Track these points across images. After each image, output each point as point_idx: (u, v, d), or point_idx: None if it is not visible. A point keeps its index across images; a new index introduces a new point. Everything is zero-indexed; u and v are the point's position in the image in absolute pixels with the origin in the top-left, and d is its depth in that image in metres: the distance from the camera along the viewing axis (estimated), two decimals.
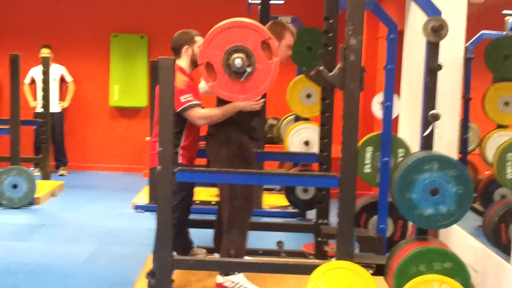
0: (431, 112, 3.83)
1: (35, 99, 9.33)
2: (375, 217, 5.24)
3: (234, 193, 4.24)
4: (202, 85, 4.63)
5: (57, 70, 9.43)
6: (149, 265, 4.59)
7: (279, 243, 5.25)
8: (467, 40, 5.44)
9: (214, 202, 6.73)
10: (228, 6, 9.27)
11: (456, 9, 4.95)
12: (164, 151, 3.69)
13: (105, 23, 9.98)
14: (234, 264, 4.07)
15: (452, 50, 4.92)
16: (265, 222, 6.08)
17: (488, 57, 5.69)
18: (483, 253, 4.46)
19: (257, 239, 5.34)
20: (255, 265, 4.01)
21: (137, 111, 10.11)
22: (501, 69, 5.71)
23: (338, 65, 3.66)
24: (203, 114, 4.25)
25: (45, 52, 9.16)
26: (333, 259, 3.73)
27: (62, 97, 9.56)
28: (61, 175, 9.50)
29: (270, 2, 6.89)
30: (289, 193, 6.95)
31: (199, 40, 4.40)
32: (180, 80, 4.21)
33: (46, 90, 8.45)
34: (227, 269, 4.23)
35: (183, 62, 4.43)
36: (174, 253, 3.82)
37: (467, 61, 5.86)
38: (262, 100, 4.22)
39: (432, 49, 3.85)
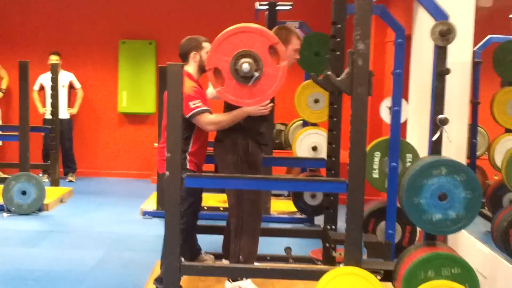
0: (439, 117, 3.82)
1: (44, 105, 9.36)
2: (383, 223, 5.22)
3: (241, 199, 4.24)
4: (210, 91, 4.63)
5: (65, 77, 9.46)
6: (157, 271, 4.59)
7: (287, 249, 5.24)
8: (475, 44, 5.43)
9: (222, 208, 6.74)
10: (236, 12, 9.30)
11: (464, 13, 4.94)
12: (172, 157, 3.69)
13: (113, 29, 10.01)
14: (242, 270, 4.07)
15: (460, 54, 4.90)
16: (273, 228, 6.07)
17: (496, 61, 5.67)
18: (492, 259, 4.44)
19: (265, 245, 5.32)
20: (263, 271, 4.00)
21: (145, 117, 10.13)
22: (510, 73, 5.69)
23: (346, 70, 3.66)
24: (212, 119, 4.25)
25: (54, 59, 9.20)
26: (341, 265, 3.72)
27: (70, 104, 9.59)
28: (70, 181, 9.52)
29: (278, 7, 6.90)
30: (297, 199, 6.94)
31: (206, 46, 4.41)
32: (188, 86, 4.21)
33: (55, 96, 8.48)
34: (235, 275, 4.22)
35: (191, 68, 4.44)
36: (182, 259, 3.82)
37: (475, 65, 5.83)
38: (271, 104, 4.22)
39: (440, 54, 3.84)
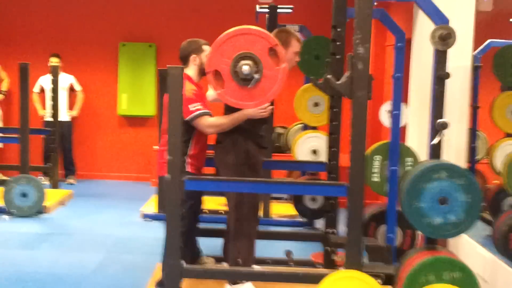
0: (439, 121, 3.83)
1: (44, 108, 9.37)
2: (383, 226, 5.23)
3: (240, 202, 4.24)
4: (210, 93, 4.64)
5: (66, 79, 9.47)
6: (158, 274, 4.60)
7: (288, 253, 5.24)
8: (475, 48, 5.43)
9: (222, 211, 6.74)
10: (236, 15, 9.27)
11: (464, 18, 4.95)
12: (172, 159, 3.69)
13: (114, 32, 10.02)
14: (243, 273, 4.08)
15: (460, 58, 4.91)
16: (273, 231, 6.08)
17: (496, 65, 5.67)
18: (493, 263, 4.44)
19: (265, 248, 5.33)
20: (264, 274, 4.01)
21: (145, 119, 10.14)
22: (509, 78, 5.69)
23: (346, 74, 3.67)
24: (212, 122, 4.26)
25: (54, 61, 9.21)
26: (342, 269, 3.72)
27: (71, 106, 9.60)
28: (70, 183, 9.52)
29: (278, 10, 6.90)
30: (297, 202, 6.93)
31: (206, 49, 4.43)
32: (188, 88, 4.22)
33: (55, 99, 8.49)
34: (236, 278, 4.23)
35: (191, 71, 4.45)
36: (183, 262, 3.82)
37: (475, 70, 5.83)
38: (271, 107, 4.23)
39: (440, 58, 3.85)
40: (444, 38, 3.80)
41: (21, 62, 7.36)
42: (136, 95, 10.00)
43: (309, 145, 6.76)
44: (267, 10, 6.91)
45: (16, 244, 6.10)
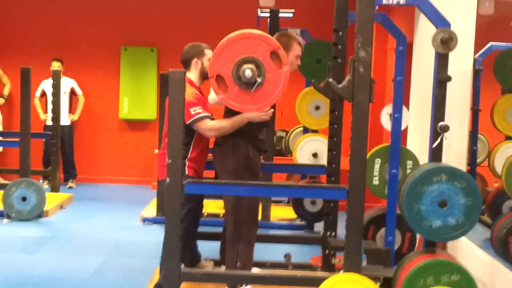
0: (440, 124, 3.83)
1: (45, 112, 9.38)
2: (383, 229, 5.21)
3: (239, 205, 4.23)
4: (211, 97, 4.64)
5: (67, 83, 9.48)
6: (156, 277, 4.59)
7: (287, 256, 5.23)
8: (476, 51, 5.44)
9: (222, 215, 6.74)
10: (238, 19, 9.31)
11: (465, 21, 4.95)
12: (173, 163, 3.69)
13: (115, 36, 10.03)
14: (242, 276, 4.07)
15: (461, 61, 4.91)
16: (273, 234, 6.07)
17: (497, 68, 5.68)
18: (492, 266, 4.44)
19: (264, 252, 5.32)
20: (263, 278, 3.99)
21: (146, 123, 10.14)
22: (510, 81, 5.71)
23: (347, 77, 3.67)
24: (213, 126, 4.26)
25: (55, 66, 9.22)
26: (341, 272, 3.72)
27: (72, 110, 9.61)
28: (70, 187, 9.52)
29: (280, 14, 6.91)
30: (297, 205, 6.94)
31: (208, 53, 4.43)
32: (190, 92, 4.22)
33: (56, 103, 8.49)
34: (235, 282, 4.22)
35: (192, 74, 4.45)
36: (182, 266, 3.82)
37: (476, 73, 5.84)
38: (271, 110, 4.23)
39: (441, 61, 3.85)
40: (445, 42, 3.80)
41: (23, 67, 7.36)
42: (137, 99, 10.01)
43: (310, 149, 6.76)
44: (268, 14, 6.92)
45: (15, 247, 6.09)
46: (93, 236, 6.65)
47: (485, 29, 5.54)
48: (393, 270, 3.95)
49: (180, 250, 3.74)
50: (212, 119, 4.30)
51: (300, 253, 5.64)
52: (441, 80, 3.85)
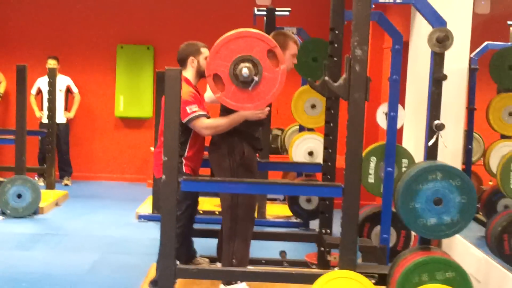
0: (435, 122, 3.84)
1: (41, 109, 9.36)
2: (378, 227, 5.23)
3: (236, 202, 4.24)
4: (208, 95, 4.64)
5: (63, 81, 9.46)
6: (152, 274, 4.60)
7: (282, 253, 5.25)
8: (472, 50, 5.46)
9: (217, 212, 6.75)
10: (234, 18, 9.32)
11: (461, 20, 4.97)
12: (169, 161, 3.69)
13: (111, 34, 10.02)
14: (237, 273, 4.07)
15: (457, 60, 4.93)
16: (268, 232, 6.08)
17: (492, 67, 5.70)
18: (486, 263, 4.46)
19: (260, 249, 5.34)
20: (258, 274, 4.00)
21: (142, 121, 10.14)
22: (506, 80, 5.73)
23: (343, 76, 3.68)
24: (209, 124, 4.26)
25: (51, 63, 9.20)
26: (336, 269, 3.73)
27: (68, 108, 9.60)
28: (66, 184, 9.51)
29: (276, 13, 6.91)
30: (293, 203, 6.95)
31: (204, 51, 4.43)
32: (186, 91, 4.22)
33: (52, 100, 8.48)
34: (230, 278, 4.23)
35: (188, 73, 4.45)
36: (177, 262, 3.82)
37: (472, 72, 5.87)
38: (267, 108, 4.23)
39: (437, 60, 3.86)
40: (441, 41, 3.82)
41: (19, 64, 7.35)
42: (133, 97, 10.00)
43: (306, 147, 6.77)
44: (265, 12, 6.93)
45: (11, 244, 6.08)
46: (89, 233, 6.65)
47: (481, 28, 5.57)
48: (388, 267, 3.96)
49: (175, 247, 3.75)
50: (208, 117, 4.31)
51: (296, 251, 5.66)
52: (437, 79, 3.87)
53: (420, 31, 5.44)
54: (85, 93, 9.91)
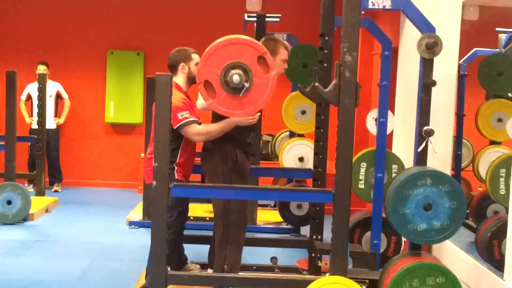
0: (425, 128, 3.86)
1: (31, 115, 9.34)
2: (368, 233, 5.24)
3: (228, 208, 4.25)
4: (199, 102, 4.65)
5: (53, 87, 9.43)
6: (142, 280, 4.59)
7: (273, 259, 5.25)
8: (461, 57, 5.48)
9: (208, 218, 6.75)
10: (224, 24, 9.32)
11: (450, 26, 4.99)
12: (159, 167, 3.69)
13: (102, 40, 10.01)
14: (228, 279, 4.07)
15: (446, 66, 4.96)
16: (259, 238, 6.08)
17: (481, 74, 5.72)
18: (476, 269, 4.47)
19: (251, 255, 5.34)
20: (249, 280, 4.00)
21: (133, 127, 10.12)
22: (494, 86, 5.75)
23: (333, 82, 3.69)
24: (200, 130, 4.27)
25: (41, 69, 9.17)
26: (327, 275, 3.73)
27: (58, 114, 9.57)
28: (56, 191, 9.48)
29: (266, 19, 6.93)
30: (283, 209, 6.95)
31: (195, 57, 4.44)
32: (177, 97, 4.23)
33: (42, 106, 8.46)
34: (221, 284, 4.22)
35: (179, 79, 4.46)
36: (169, 268, 3.82)
37: (461, 78, 5.89)
38: (258, 114, 4.24)
39: (426, 66, 3.88)
40: (430, 47, 3.84)
41: (8, 70, 7.34)
42: (123, 103, 9.99)
43: (296, 153, 6.78)
44: (255, 18, 6.94)
45: (1, 251, 6.06)
46: (79, 240, 6.63)
47: (469, 34, 5.59)
48: (379, 273, 3.97)
49: (166, 253, 3.74)
50: (199, 123, 4.32)
51: (287, 256, 5.67)
52: (426, 85, 3.89)
53: (410, 37, 5.47)
54: (75, 98, 9.88)
